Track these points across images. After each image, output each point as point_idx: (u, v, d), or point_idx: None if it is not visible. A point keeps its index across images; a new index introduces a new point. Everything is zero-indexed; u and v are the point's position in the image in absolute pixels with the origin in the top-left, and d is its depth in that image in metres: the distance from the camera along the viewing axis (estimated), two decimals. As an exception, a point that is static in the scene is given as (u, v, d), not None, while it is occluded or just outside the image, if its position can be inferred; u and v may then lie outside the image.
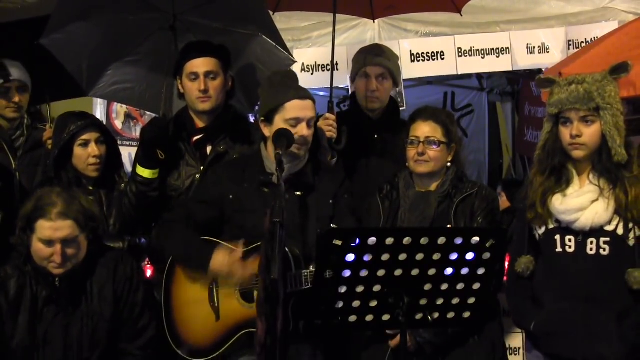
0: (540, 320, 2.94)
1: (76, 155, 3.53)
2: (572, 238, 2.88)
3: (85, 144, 3.51)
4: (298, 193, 3.13)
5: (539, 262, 3.00)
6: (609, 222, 2.84)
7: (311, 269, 2.94)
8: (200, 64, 3.46)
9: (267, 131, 3.14)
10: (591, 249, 2.85)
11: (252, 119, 4.26)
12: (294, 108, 3.10)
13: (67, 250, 2.94)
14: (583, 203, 2.85)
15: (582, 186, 2.90)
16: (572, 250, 2.88)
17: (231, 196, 3.16)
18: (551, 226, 2.93)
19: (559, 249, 2.90)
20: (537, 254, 3.01)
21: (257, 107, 3.87)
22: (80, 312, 3.02)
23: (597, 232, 2.84)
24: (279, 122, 3.09)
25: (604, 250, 2.83)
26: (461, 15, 4.66)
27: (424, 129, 3.25)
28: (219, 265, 3.01)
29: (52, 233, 2.92)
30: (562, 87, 2.89)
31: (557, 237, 2.91)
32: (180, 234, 3.15)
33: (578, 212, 2.85)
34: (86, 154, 3.51)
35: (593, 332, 2.83)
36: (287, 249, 2.91)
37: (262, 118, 3.17)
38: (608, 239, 2.83)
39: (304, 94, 3.15)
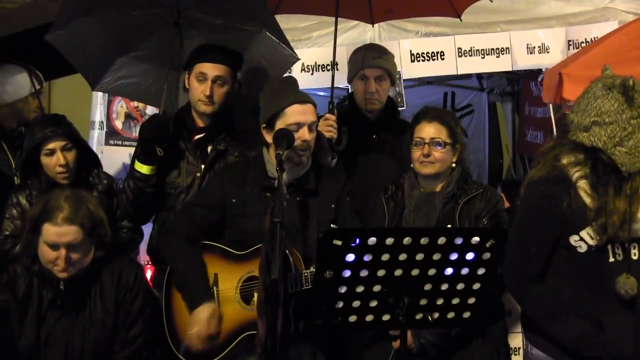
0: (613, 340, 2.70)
1: (44, 164, 3.50)
2: (620, 245, 2.74)
3: (51, 153, 3.47)
4: (300, 198, 3.12)
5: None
6: None
7: (311, 269, 2.94)
8: (211, 68, 3.45)
9: (269, 137, 3.12)
10: (634, 254, 2.73)
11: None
12: (295, 113, 3.09)
13: (71, 255, 2.95)
14: None
15: None
16: (621, 257, 2.74)
17: (233, 200, 3.16)
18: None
19: (611, 259, 2.74)
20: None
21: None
22: (82, 317, 3.02)
23: (638, 237, 2.73)
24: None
25: None
26: (460, 20, 4.66)
27: (429, 130, 3.24)
28: (199, 317, 3.02)
29: (57, 237, 2.92)
30: None
31: (609, 246, 2.74)
32: (181, 256, 3.15)
33: None
34: (52, 163, 3.48)
35: None
36: (287, 250, 2.91)
37: (264, 125, 3.16)
38: None
39: (304, 99, 3.14)
